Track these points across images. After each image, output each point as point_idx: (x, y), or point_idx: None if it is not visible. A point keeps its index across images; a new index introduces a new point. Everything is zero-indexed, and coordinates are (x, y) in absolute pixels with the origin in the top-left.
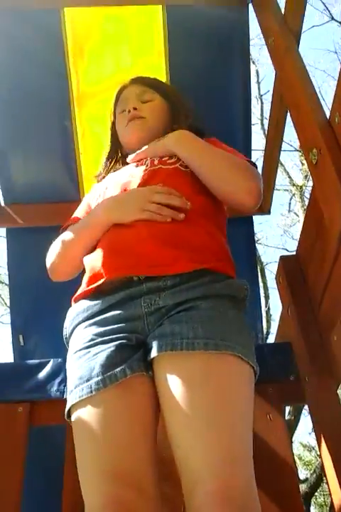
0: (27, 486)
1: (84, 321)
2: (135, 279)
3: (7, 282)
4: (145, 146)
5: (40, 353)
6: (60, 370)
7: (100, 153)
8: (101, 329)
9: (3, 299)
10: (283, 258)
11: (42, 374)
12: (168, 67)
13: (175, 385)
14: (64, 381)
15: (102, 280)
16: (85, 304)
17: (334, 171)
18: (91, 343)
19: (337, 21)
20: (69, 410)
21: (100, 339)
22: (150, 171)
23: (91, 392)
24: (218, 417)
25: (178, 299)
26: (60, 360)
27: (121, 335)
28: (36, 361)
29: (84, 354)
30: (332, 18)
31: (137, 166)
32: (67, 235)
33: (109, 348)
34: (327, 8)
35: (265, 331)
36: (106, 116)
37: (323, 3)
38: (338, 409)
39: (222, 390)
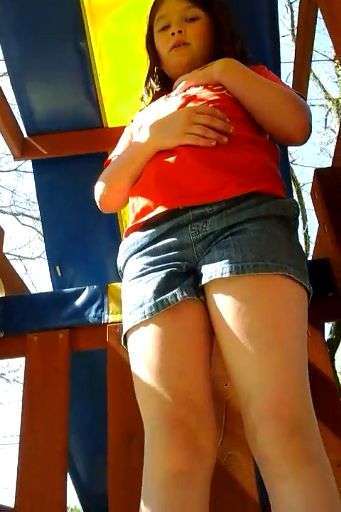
0: (73, 408)
1: (135, 252)
2: (180, 208)
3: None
4: (188, 74)
5: (78, 281)
6: (96, 297)
7: (119, 74)
8: (152, 258)
9: (42, 235)
10: (318, 171)
11: (80, 301)
12: None
13: (226, 309)
14: (101, 307)
15: (151, 214)
16: (135, 236)
17: None
18: (143, 272)
19: None
20: (125, 336)
21: (151, 268)
22: (190, 97)
23: (144, 316)
24: (270, 338)
25: (225, 223)
26: (95, 287)
27: (171, 263)
28: (73, 289)
29: (137, 282)
30: None
31: (177, 94)
32: (112, 168)
33: (160, 275)
34: None
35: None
36: (124, 34)
37: None
38: None
39: (274, 311)
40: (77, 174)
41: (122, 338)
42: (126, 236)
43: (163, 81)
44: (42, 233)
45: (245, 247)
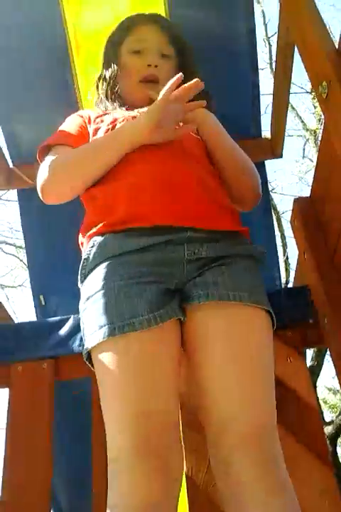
0: (57, 439)
1: (116, 257)
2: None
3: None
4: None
5: (62, 311)
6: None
7: None
8: (140, 269)
9: (25, 264)
10: (297, 200)
11: (64, 330)
12: (168, 9)
13: (217, 332)
14: None
15: (148, 226)
16: (118, 239)
17: None
18: (131, 281)
19: None
20: (95, 347)
21: (141, 279)
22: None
23: (134, 329)
24: (254, 365)
25: (219, 253)
26: (80, 315)
27: (162, 278)
28: (57, 318)
29: (123, 291)
30: None
31: None
32: (83, 151)
33: (153, 289)
34: None
35: (284, 280)
36: None
37: None
38: None
39: (260, 340)
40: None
41: (87, 348)
42: (99, 234)
43: (116, 102)
44: (24, 262)
45: (239, 279)
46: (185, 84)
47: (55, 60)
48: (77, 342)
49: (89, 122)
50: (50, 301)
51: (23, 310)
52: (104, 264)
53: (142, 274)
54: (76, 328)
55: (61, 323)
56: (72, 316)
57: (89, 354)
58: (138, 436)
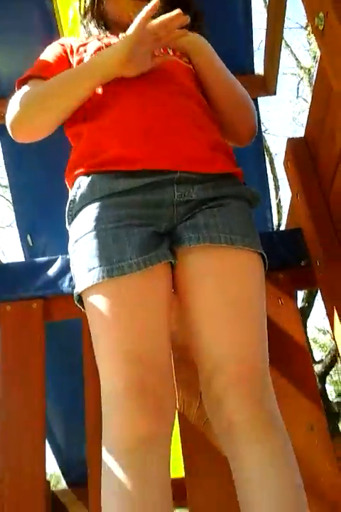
0: (49, 374)
1: (104, 198)
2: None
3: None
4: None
5: (50, 251)
6: (69, 266)
7: None
8: (129, 210)
9: (10, 203)
10: (290, 140)
11: (53, 270)
12: None
13: (209, 275)
14: None
15: (139, 169)
16: (105, 179)
17: None
18: (119, 223)
19: None
20: (84, 290)
21: (129, 221)
22: (169, 63)
23: (123, 273)
24: (246, 307)
25: (210, 194)
26: (68, 256)
27: (151, 221)
28: (45, 258)
29: (111, 233)
30: None
31: None
32: (55, 83)
33: (141, 232)
34: None
35: (276, 223)
36: None
37: None
38: None
39: (252, 283)
40: (46, 138)
41: (77, 292)
42: (84, 175)
43: (101, 24)
44: (11, 201)
45: (231, 221)
46: (167, 15)
47: None
48: (67, 282)
49: (72, 52)
50: (38, 241)
51: (12, 251)
52: (92, 206)
53: (131, 216)
54: (65, 269)
55: (49, 264)
56: (60, 256)
57: (79, 296)
58: (130, 377)
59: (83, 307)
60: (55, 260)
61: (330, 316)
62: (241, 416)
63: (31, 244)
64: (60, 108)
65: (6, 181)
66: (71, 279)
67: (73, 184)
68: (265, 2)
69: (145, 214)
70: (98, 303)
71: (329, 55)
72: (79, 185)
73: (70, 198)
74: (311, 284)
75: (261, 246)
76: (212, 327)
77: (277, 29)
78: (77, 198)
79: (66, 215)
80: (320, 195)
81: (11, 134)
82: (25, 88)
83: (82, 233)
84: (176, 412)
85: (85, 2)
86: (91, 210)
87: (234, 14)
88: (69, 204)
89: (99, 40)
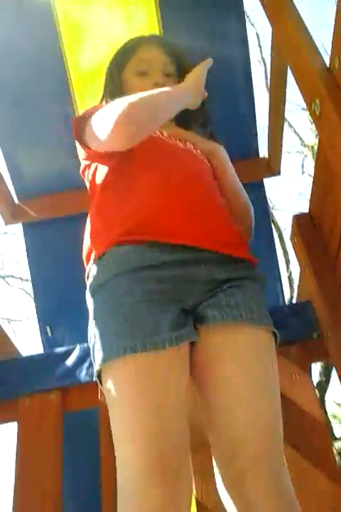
0: (66, 470)
1: (136, 269)
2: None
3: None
4: (188, 132)
5: (68, 340)
6: (87, 355)
7: None
8: (162, 285)
9: (31, 296)
10: (296, 216)
11: (71, 360)
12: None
13: (228, 354)
14: (92, 365)
15: (173, 242)
16: (138, 251)
17: (338, 118)
18: (152, 297)
19: None
20: (109, 363)
21: (161, 296)
22: (193, 153)
23: (156, 348)
24: (265, 388)
25: (230, 275)
26: (86, 345)
27: (181, 297)
28: (64, 349)
29: (144, 307)
30: None
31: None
32: (163, 95)
33: (173, 308)
34: None
35: (288, 296)
36: None
37: None
38: None
39: (269, 363)
40: (66, 234)
41: (100, 364)
42: (113, 245)
43: None
44: (31, 294)
45: (250, 301)
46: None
47: (56, 96)
48: (84, 371)
49: None
50: (57, 331)
51: (30, 344)
52: (124, 277)
53: (162, 290)
54: (83, 358)
55: (67, 353)
56: (78, 345)
57: (99, 373)
58: (154, 458)
59: (101, 383)
60: (73, 349)
61: None
62: (259, 496)
63: (50, 334)
64: (162, 120)
65: (26, 275)
66: (89, 367)
67: (102, 252)
68: (267, 87)
69: (176, 289)
70: (123, 377)
71: (327, 135)
72: (110, 254)
73: (96, 267)
74: (324, 357)
75: (273, 320)
76: (231, 406)
77: (278, 114)
78: (107, 268)
79: (89, 286)
80: (328, 268)
81: (107, 139)
82: (119, 100)
83: (111, 304)
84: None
85: (107, 92)
86: (123, 281)
87: (238, 105)
88: (97, 273)
89: None
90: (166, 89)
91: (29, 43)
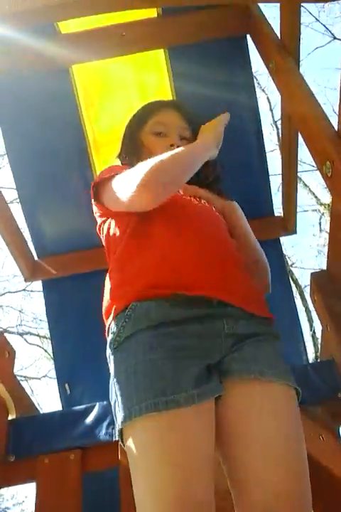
0: None
1: (158, 326)
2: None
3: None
4: (203, 191)
5: (87, 398)
6: (106, 413)
7: None
8: (184, 341)
9: (49, 354)
10: (314, 274)
11: (90, 419)
12: None
13: (257, 410)
14: (111, 423)
15: (199, 295)
16: (160, 306)
17: None
18: (174, 354)
19: (339, 39)
20: (131, 422)
21: (184, 352)
22: (210, 209)
23: (178, 406)
24: (294, 446)
25: (251, 330)
26: (105, 402)
27: (204, 352)
28: (83, 407)
29: (166, 365)
30: (335, 38)
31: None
32: (189, 154)
33: (195, 364)
34: (327, 29)
35: (313, 355)
36: None
37: (323, 25)
38: None
39: (296, 420)
40: (85, 291)
41: (121, 424)
42: (136, 299)
43: None
44: (48, 352)
45: (272, 356)
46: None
47: (76, 159)
48: (104, 430)
49: None
50: (75, 389)
51: (47, 402)
52: (145, 333)
53: (185, 347)
54: (102, 416)
55: (87, 412)
56: (98, 404)
57: (121, 432)
58: None
59: (123, 442)
60: (92, 408)
61: None
62: None
63: (69, 392)
64: (188, 177)
65: (43, 331)
66: (108, 426)
67: (122, 308)
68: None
69: (199, 345)
70: (146, 437)
71: (339, 196)
72: (132, 309)
73: (116, 323)
74: None
75: (295, 379)
76: (260, 466)
77: (291, 176)
78: (128, 324)
79: (110, 342)
80: None
81: (135, 198)
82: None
83: (133, 361)
84: None
85: (124, 150)
86: (145, 338)
87: (251, 167)
88: (117, 329)
89: None
90: (188, 146)
91: (50, 114)
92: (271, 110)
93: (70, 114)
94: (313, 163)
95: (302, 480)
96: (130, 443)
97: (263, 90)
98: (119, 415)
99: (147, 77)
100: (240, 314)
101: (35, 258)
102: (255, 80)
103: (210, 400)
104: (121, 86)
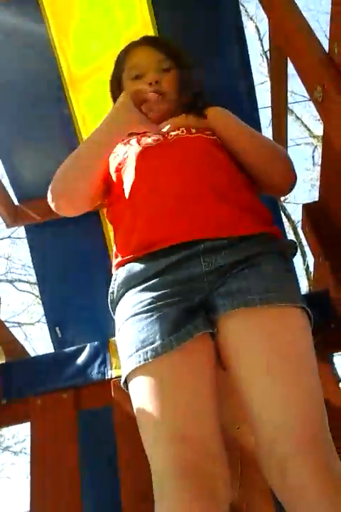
0: (83, 469)
1: (138, 284)
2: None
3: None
4: (178, 118)
5: (78, 340)
6: (98, 353)
7: None
8: (161, 292)
9: (39, 299)
10: (305, 206)
11: (82, 359)
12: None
13: (252, 340)
14: (103, 363)
15: (162, 248)
16: (137, 267)
17: (340, 102)
18: (152, 306)
19: None
20: (127, 376)
21: (161, 302)
22: (192, 138)
23: (157, 354)
24: (297, 368)
25: (238, 256)
26: (96, 343)
27: (183, 296)
28: (74, 348)
29: (144, 318)
30: None
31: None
32: (83, 146)
33: (172, 310)
34: None
35: (307, 289)
36: (104, 97)
37: None
38: None
39: (299, 342)
40: (70, 234)
41: (123, 380)
42: (120, 266)
43: None
44: (40, 297)
45: (265, 279)
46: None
47: (51, 97)
48: (96, 370)
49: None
50: (66, 332)
51: (42, 346)
52: (128, 294)
53: (163, 296)
54: (93, 356)
55: (78, 353)
56: (89, 344)
57: (126, 381)
58: (177, 458)
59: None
60: (83, 349)
61: None
62: (306, 481)
63: (60, 335)
64: (90, 169)
65: (33, 278)
66: (100, 365)
67: (115, 271)
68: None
69: (177, 291)
70: (139, 387)
71: (331, 121)
72: (116, 276)
73: (110, 289)
74: None
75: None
76: (265, 391)
77: (281, 107)
78: (115, 289)
79: (109, 307)
80: None
81: (54, 208)
82: None
83: (121, 322)
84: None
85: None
86: (128, 299)
87: (240, 101)
88: (110, 296)
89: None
90: (87, 139)
91: (22, 51)
92: (261, 40)
93: (41, 46)
94: (305, 94)
95: (316, 401)
96: (131, 394)
97: (251, 18)
98: (122, 368)
99: (124, 7)
100: (222, 244)
101: (16, 203)
102: (242, 7)
103: (196, 340)
104: (96, 18)
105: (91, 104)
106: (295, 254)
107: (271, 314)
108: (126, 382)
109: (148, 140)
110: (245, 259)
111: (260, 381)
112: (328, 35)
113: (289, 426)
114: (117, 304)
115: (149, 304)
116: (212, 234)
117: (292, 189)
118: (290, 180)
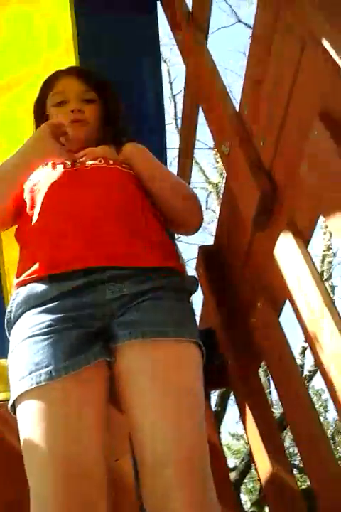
0: None
1: (38, 306)
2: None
3: None
4: (99, 148)
5: None
6: None
7: None
8: (60, 315)
9: None
10: (201, 248)
11: None
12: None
13: (141, 372)
14: None
15: (65, 271)
16: (39, 287)
17: (245, 160)
18: (50, 329)
19: (244, 23)
20: (16, 399)
21: (60, 326)
22: (109, 168)
23: (51, 378)
24: (189, 401)
25: (142, 287)
26: None
27: (82, 322)
28: None
29: (41, 340)
30: (239, 21)
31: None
32: (7, 163)
33: (71, 335)
34: (233, 11)
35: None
36: (21, 111)
37: (229, 5)
38: (260, 388)
39: (190, 375)
40: None
41: (10, 404)
42: (22, 285)
43: None
44: None
45: (163, 313)
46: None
47: None
48: None
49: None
50: None
51: None
52: (26, 315)
53: (62, 320)
54: None
55: None
56: None
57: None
58: (55, 480)
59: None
60: None
61: (243, 418)
62: (184, 505)
63: None
64: (6, 189)
65: None
66: None
67: (14, 291)
68: (176, 125)
69: (77, 316)
70: (27, 411)
71: (234, 175)
72: (16, 295)
73: (8, 308)
74: (224, 384)
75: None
76: (155, 423)
77: (188, 153)
78: (14, 309)
79: (6, 327)
80: (229, 298)
81: None
82: None
83: (17, 343)
84: None
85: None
86: (26, 320)
87: (151, 139)
88: (7, 315)
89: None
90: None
91: None
92: (170, 83)
93: None
94: (207, 142)
95: (200, 435)
96: (18, 418)
97: (164, 61)
98: (11, 393)
99: (49, 33)
100: (128, 273)
101: None
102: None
103: (92, 367)
104: (19, 29)
105: (6, 122)
106: (196, 291)
107: (166, 346)
108: (13, 406)
109: (65, 166)
110: (148, 291)
111: (151, 414)
112: (233, 91)
113: (176, 457)
114: (14, 323)
115: (47, 326)
116: (119, 262)
117: (199, 228)
118: (199, 219)
